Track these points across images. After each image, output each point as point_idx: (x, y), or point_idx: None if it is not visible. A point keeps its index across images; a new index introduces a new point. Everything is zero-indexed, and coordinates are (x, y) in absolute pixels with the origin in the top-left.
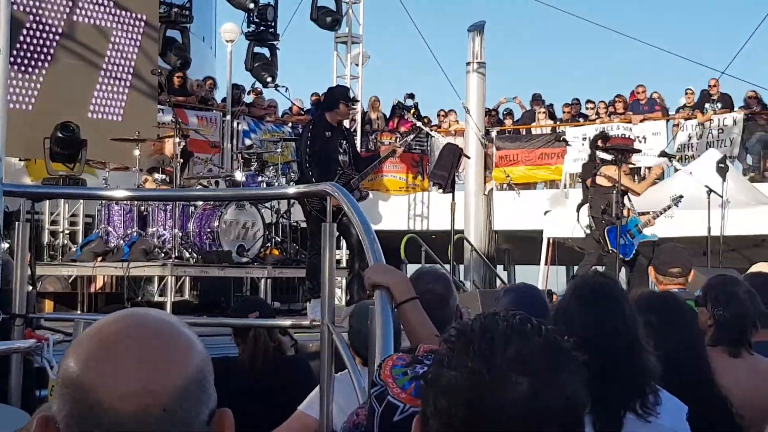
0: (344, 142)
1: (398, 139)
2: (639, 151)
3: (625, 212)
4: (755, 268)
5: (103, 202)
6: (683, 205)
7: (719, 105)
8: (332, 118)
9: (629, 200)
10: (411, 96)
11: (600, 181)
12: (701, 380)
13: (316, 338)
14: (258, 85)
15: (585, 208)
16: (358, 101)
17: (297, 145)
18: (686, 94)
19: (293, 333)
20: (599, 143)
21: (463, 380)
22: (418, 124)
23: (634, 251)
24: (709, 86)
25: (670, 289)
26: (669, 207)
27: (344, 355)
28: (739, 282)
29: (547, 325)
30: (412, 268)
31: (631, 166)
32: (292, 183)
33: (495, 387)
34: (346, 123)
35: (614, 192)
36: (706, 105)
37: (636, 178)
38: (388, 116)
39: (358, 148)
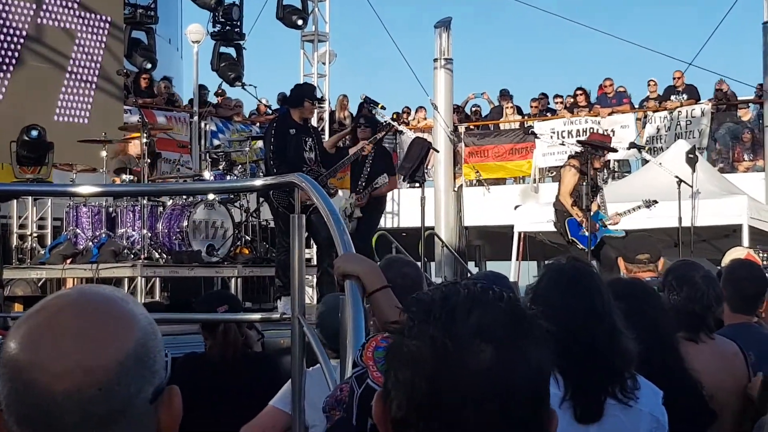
0: (309, 139)
1: None
2: (615, 150)
3: (593, 206)
4: (731, 253)
5: (71, 204)
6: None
7: (685, 96)
8: (297, 115)
9: (601, 195)
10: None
11: (565, 172)
12: (670, 367)
13: (287, 334)
14: (224, 86)
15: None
16: (324, 101)
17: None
18: (649, 85)
19: (260, 328)
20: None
21: (426, 349)
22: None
23: (595, 243)
24: (674, 78)
25: (640, 277)
26: (639, 208)
27: (316, 348)
28: (696, 266)
29: (509, 293)
30: None
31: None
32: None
33: (458, 356)
34: (314, 121)
35: (583, 184)
36: (672, 97)
37: (606, 171)
38: (355, 114)
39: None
